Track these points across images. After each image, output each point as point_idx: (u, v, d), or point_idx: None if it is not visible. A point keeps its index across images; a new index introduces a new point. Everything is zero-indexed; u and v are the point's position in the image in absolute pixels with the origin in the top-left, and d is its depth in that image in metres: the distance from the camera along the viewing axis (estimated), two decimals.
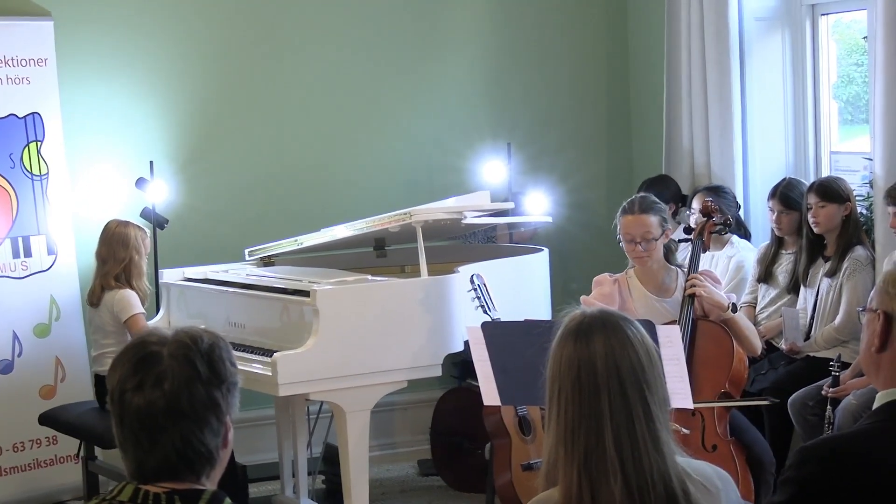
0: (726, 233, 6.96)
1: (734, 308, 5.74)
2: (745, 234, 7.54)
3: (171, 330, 2.62)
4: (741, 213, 7.61)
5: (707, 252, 6.49)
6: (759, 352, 5.95)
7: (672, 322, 5.61)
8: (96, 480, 6.90)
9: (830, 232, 6.72)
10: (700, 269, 5.97)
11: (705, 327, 5.70)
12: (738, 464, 5.51)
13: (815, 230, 6.73)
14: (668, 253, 5.93)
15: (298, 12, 8.13)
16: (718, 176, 7.74)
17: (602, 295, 5.88)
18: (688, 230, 6.09)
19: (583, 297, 5.86)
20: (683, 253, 6.36)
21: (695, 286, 5.68)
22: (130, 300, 6.69)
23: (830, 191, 6.71)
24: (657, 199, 6.00)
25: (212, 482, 2.61)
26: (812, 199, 6.72)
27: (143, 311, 6.74)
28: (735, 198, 7.51)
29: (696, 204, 7.26)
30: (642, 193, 6.34)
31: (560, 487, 2.81)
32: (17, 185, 7.22)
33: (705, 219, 6.15)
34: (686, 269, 5.89)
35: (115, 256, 6.75)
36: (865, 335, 3.00)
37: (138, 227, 6.89)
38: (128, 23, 7.72)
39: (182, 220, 7.71)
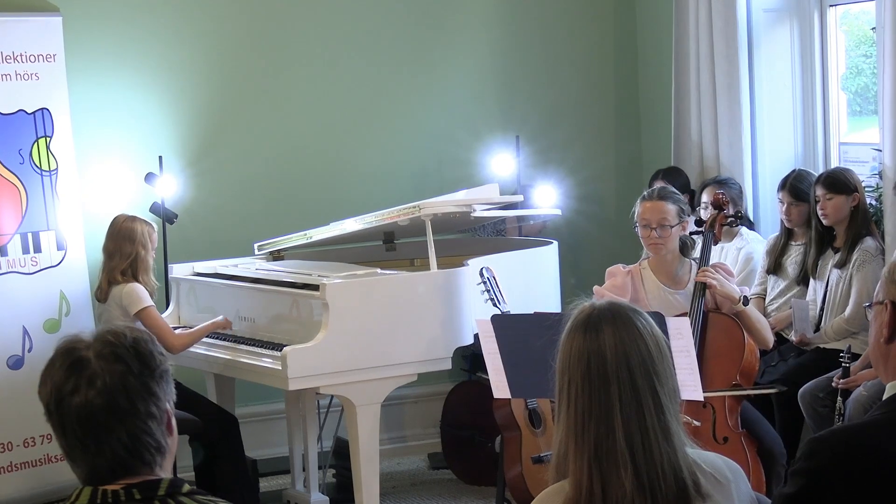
0: (737, 225, 6.97)
1: (746, 301, 5.74)
2: (748, 225, 7.56)
3: (92, 332, 2.62)
4: (748, 204, 7.63)
5: (717, 244, 6.49)
6: (771, 345, 5.95)
7: (684, 314, 5.62)
8: None
9: (839, 223, 6.72)
10: (714, 262, 5.98)
11: (716, 319, 5.70)
12: (750, 456, 5.51)
13: (824, 222, 6.73)
14: (684, 247, 5.95)
15: (307, 6, 8.13)
16: (727, 168, 7.75)
17: (615, 286, 5.89)
18: (699, 223, 6.09)
19: (595, 287, 5.89)
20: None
21: (706, 276, 5.69)
22: (139, 293, 6.67)
23: (838, 182, 6.71)
24: (676, 191, 6.05)
25: (165, 471, 2.62)
26: (819, 192, 6.72)
27: (153, 303, 6.74)
28: (741, 189, 7.52)
29: (706, 196, 7.28)
30: (662, 184, 6.39)
31: (570, 479, 2.81)
32: (26, 181, 7.22)
33: (717, 211, 6.15)
34: (698, 262, 5.90)
35: (122, 251, 6.74)
36: (874, 327, 3.00)
37: (145, 221, 6.87)
38: (136, 18, 7.72)
39: (191, 214, 7.71)
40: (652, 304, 5.81)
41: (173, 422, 2.63)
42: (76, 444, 2.56)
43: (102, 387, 2.52)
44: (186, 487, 2.58)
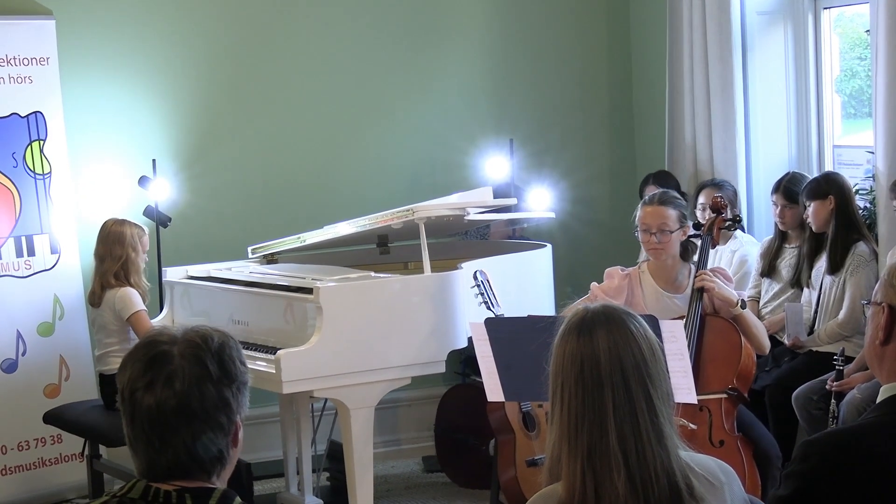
0: (735, 228, 6.98)
1: (743, 305, 5.74)
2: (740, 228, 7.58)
3: (181, 328, 2.61)
4: (742, 206, 7.64)
5: (715, 247, 6.49)
6: (767, 350, 5.94)
7: (681, 317, 5.61)
8: (101, 479, 6.91)
9: (823, 229, 6.73)
10: (712, 267, 5.97)
11: (714, 323, 5.69)
12: (745, 459, 5.50)
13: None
14: (686, 252, 5.93)
15: (300, 10, 8.14)
16: (721, 171, 7.75)
17: (610, 288, 5.89)
18: (696, 226, 6.08)
19: (593, 284, 5.90)
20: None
21: (704, 280, 5.68)
22: (132, 297, 6.70)
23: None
24: (679, 196, 6.03)
25: (222, 481, 2.61)
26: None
27: (145, 307, 6.75)
28: (736, 192, 7.52)
29: (702, 198, 7.28)
30: (663, 189, 6.39)
31: (563, 482, 2.81)
32: (20, 185, 7.22)
33: (715, 215, 6.14)
34: (695, 266, 5.89)
35: (112, 254, 6.76)
36: (870, 328, 3.00)
37: (135, 224, 6.89)
38: (129, 21, 7.72)
39: (185, 218, 7.71)
40: (649, 307, 5.80)
41: (240, 435, 2.63)
42: (141, 438, 2.54)
43: (180, 388, 2.51)
44: (238, 501, 2.58)
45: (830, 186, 6.70)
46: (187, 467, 2.54)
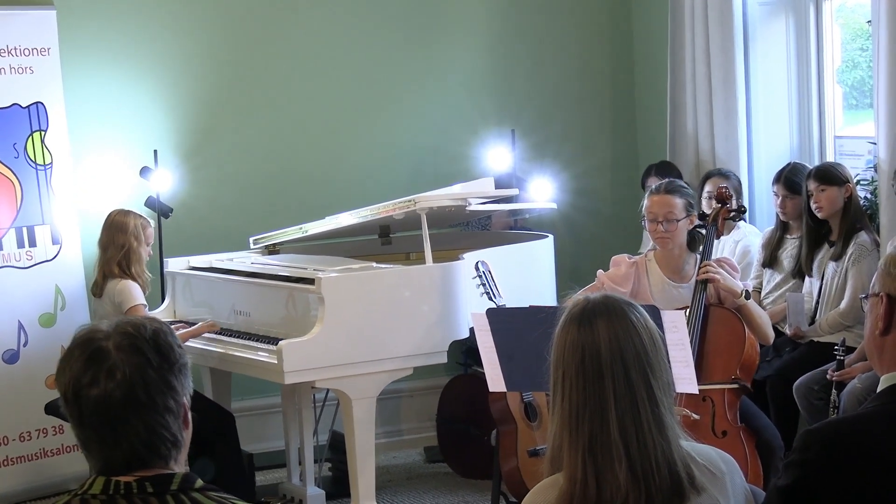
0: (739, 219, 6.97)
1: (747, 295, 5.73)
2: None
3: (112, 323, 2.62)
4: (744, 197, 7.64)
5: (720, 238, 6.47)
6: (772, 341, 5.93)
7: (686, 307, 5.62)
8: None
9: (833, 216, 6.72)
10: (718, 257, 5.97)
11: (718, 313, 5.69)
12: (748, 450, 5.50)
13: (819, 215, 6.73)
14: (693, 241, 5.93)
15: (303, 2, 8.13)
16: (723, 161, 7.75)
17: (617, 275, 5.88)
18: (701, 216, 6.07)
19: (599, 272, 5.89)
20: None
21: (708, 272, 5.68)
22: (132, 290, 6.69)
23: (829, 174, 6.72)
24: (685, 185, 6.03)
25: (179, 465, 2.62)
26: (812, 185, 6.73)
27: (145, 302, 6.74)
28: (740, 182, 7.52)
29: (709, 187, 7.27)
30: (670, 178, 6.39)
31: (565, 472, 2.81)
32: (21, 175, 7.22)
33: (719, 205, 6.13)
34: (700, 256, 5.89)
35: (115, 243, 6.77)
36: (869, 319, 2.99)
37: (139, 215, 6.89)
38: (131, 11, 7.72)
39: (186, 208, 7.71)
40: (655, 296, 5.80)
41: (189, 416, 2.63)
42: (92, 436, 2.55)
43: (122, 379, 2.51)
44: (199, 483, 2.58)
45: (847, 175, 6.71)
46: (143, 457, 2.55)
